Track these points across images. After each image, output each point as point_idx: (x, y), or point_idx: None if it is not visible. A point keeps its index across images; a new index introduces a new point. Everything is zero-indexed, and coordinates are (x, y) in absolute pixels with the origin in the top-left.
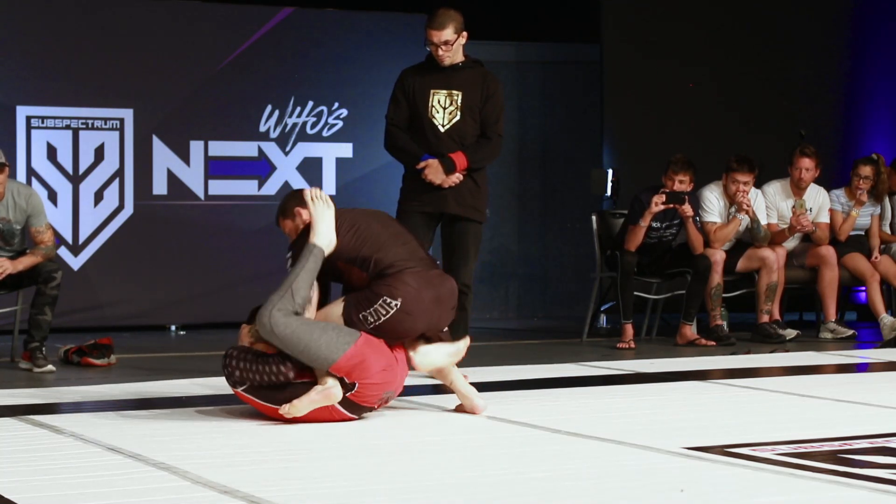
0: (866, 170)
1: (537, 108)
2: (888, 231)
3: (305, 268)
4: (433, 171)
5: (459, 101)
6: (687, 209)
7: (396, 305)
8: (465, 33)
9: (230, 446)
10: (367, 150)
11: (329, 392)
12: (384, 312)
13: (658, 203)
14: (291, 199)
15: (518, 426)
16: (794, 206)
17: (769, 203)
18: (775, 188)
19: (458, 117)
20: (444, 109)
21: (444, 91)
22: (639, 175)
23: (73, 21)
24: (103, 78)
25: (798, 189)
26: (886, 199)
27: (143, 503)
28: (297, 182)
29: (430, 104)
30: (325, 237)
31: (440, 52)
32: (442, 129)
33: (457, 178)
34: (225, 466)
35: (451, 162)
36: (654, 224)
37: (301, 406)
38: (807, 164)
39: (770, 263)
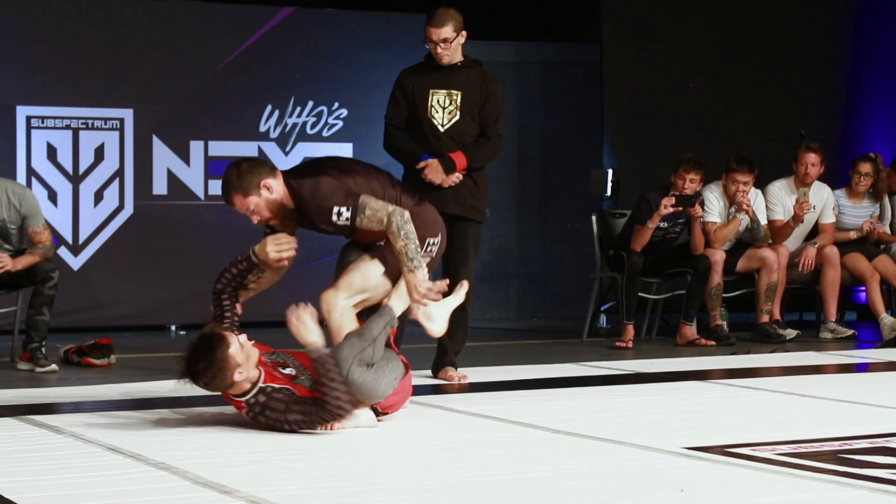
0: (866, 166)
1: (537, 108)
2: (888, 231)
3: (385, 330)
4: (433, 170)
5: (459, 100)
6: (697, 210)
7: (436, 242)
8: (464, 32)
9: (230, 446)
10: (368, 150)
11: (373, 418)
12: (427, 252)
13: (667, 206)
14: (252, 173)
15: (518, 426)
16: (797, 197)
17: (776, 200)
18: (781, 185)
19: (457, 117)
20: (443, 109)
21: (444, 91)
22: (639, 175)
23: (73, 21)
24: (103, 78)
25: (803, 185)
26: (886, 199)
27: (142, 503)
28: None
29: (429, 104)
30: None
31: (439, 50)
32: (441, 129)
33: (457, 177)
34: (225, 466)
35: (451, 162)
36: (660, 223)
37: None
38: (812, 160)
39: (770, 263)
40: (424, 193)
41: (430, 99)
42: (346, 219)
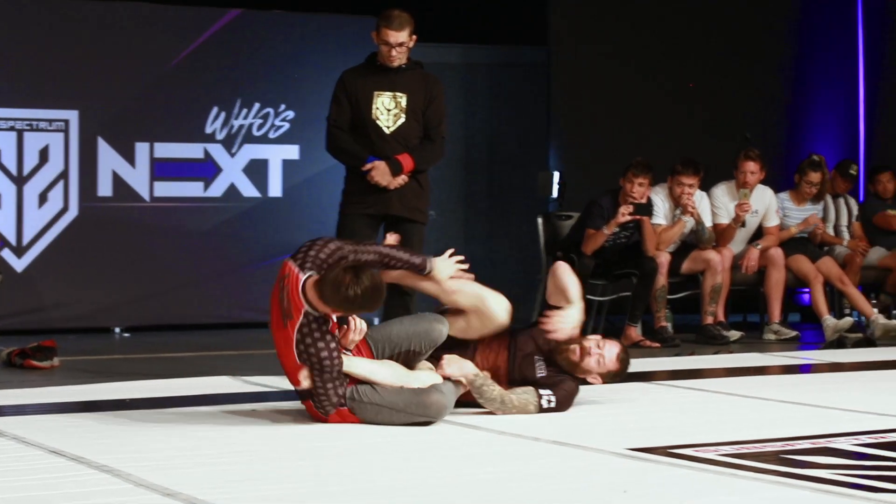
0: (816, 176)
1: (484, 110)
2: (832, 233)
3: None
4: (380, 172)
5: (404, 103)
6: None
7: None
8: (415, 37)
9: (173, 449)
10: (314, 152)
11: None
12: None
13: (625, 214)
14: None
15: (463, 428)
16: (739, 199)
17: (719, 203)
18: (723, 189)
19: (402, 119)
20: (388, 111)
21: (389, 93)
22: (585, 177)
23: (17, 22)
24: (48, 79)
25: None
26: (830, 202)
27: None
28: (244, 184)
29: (373, 106)
30: None
31: (394, 53)
32: (387, 132)
33: (402, 179)
34: (168, 469)
35: (397, 164)
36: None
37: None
38: (751, 168)
39: (714, 265)
40: (369, 195)
41: (374, 101)
42: None
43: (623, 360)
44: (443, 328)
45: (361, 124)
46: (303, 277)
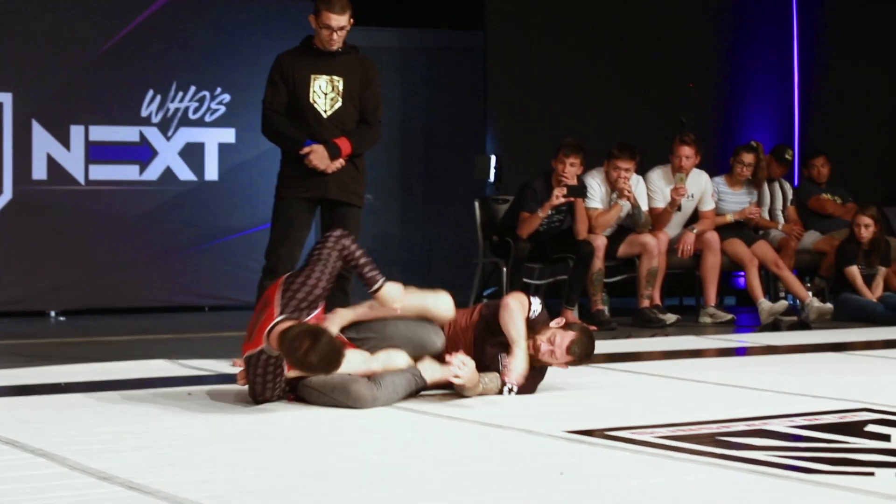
0: (749, 157)
1: (421, 94)
2: (767, 217)
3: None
4: (318, 156)
5: (341, 87)
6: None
7: None
8: (352, 20)
9: (109, 433)
10: (250, 136)
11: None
12: None
13: (559, 196)
14: None
15: (399, 411)
16: (675, 183)
17: (655, 187)
18: (659, 174)
19: (339, 103)
20: (325, 95)
21: (326, 77)
22: (522, 161)
23: None
24: None
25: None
26: (765, 186)
27: (19, 490)
28: (180, 168)
29: (311, 90)
30: None
31: (334, 37)
32: (325, 115)
33: (340, 163)
34: (104, 452)
35: (336, 148)
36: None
37: None
38: (686, 152)
39: (651, 249)
40: (306, 179)
41: (311, 84)
42: None
43: (574, 351)
44: (438, 341)
45: (298, 108)
46: (276, 319)
